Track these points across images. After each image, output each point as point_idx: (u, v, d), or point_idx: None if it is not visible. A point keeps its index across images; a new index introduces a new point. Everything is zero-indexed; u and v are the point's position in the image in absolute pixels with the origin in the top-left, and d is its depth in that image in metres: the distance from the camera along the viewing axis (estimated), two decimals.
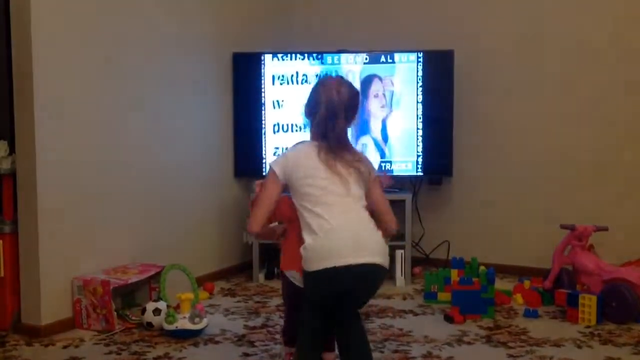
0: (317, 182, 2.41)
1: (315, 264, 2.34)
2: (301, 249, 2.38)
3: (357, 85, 4.22)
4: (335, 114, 2.45)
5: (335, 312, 2.46)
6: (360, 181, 2.46)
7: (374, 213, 2.48)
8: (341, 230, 2.34)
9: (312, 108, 2.52)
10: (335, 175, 2.41)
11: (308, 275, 2.39)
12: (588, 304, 3.37)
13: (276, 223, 2.65)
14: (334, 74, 2.72)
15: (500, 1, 4.40)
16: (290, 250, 2.50)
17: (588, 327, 3.33)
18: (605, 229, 3.72)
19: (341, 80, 2.54)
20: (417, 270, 4.36)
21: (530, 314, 3.51)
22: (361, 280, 2.36)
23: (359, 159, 2.49)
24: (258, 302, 3.81)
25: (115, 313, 3.26)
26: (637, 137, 4.09)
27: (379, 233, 2.42)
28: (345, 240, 2.33)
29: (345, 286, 2.35)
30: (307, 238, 2.37)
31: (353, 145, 2.55)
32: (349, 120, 2.50)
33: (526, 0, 4.32)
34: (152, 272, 3.48)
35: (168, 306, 3.30)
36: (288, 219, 2.55)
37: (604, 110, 4.15)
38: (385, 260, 2.40)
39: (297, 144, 2.60)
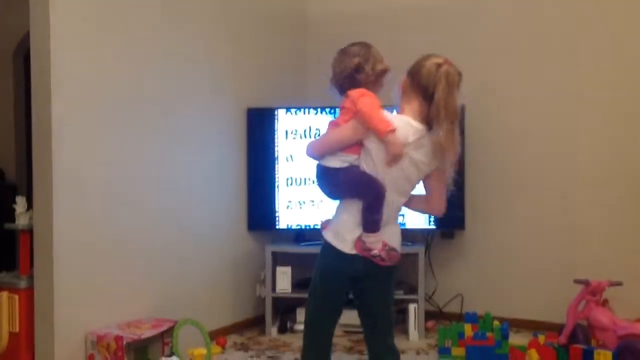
0: None
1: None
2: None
3: None
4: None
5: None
6: None
7: None
8: None
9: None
10: None
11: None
12: None
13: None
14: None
15: (512, 56, 4.45)
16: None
17: None
18: (620, 284, 3.69)
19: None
20: (430, 324, 4.34)
21: None
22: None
23: None
24: (270, 357, 3.80)
25: None
26: None
27: None
28: None
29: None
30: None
31: None
32: None
33: (537, 54, 4.36)
34: (165, 327, 3.49)
35: None
36: None
37: (619, 163, 4.14)
38: None
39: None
